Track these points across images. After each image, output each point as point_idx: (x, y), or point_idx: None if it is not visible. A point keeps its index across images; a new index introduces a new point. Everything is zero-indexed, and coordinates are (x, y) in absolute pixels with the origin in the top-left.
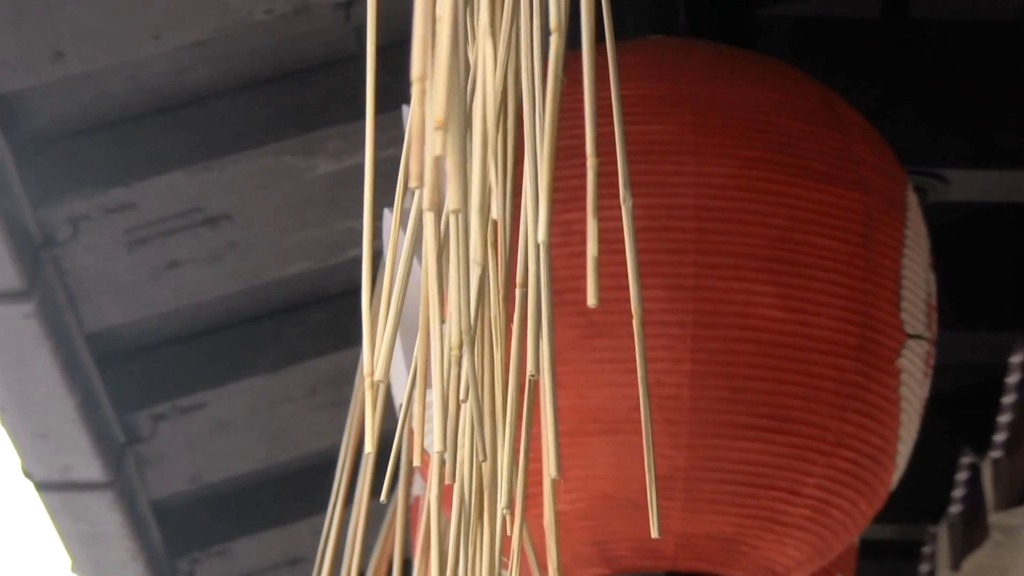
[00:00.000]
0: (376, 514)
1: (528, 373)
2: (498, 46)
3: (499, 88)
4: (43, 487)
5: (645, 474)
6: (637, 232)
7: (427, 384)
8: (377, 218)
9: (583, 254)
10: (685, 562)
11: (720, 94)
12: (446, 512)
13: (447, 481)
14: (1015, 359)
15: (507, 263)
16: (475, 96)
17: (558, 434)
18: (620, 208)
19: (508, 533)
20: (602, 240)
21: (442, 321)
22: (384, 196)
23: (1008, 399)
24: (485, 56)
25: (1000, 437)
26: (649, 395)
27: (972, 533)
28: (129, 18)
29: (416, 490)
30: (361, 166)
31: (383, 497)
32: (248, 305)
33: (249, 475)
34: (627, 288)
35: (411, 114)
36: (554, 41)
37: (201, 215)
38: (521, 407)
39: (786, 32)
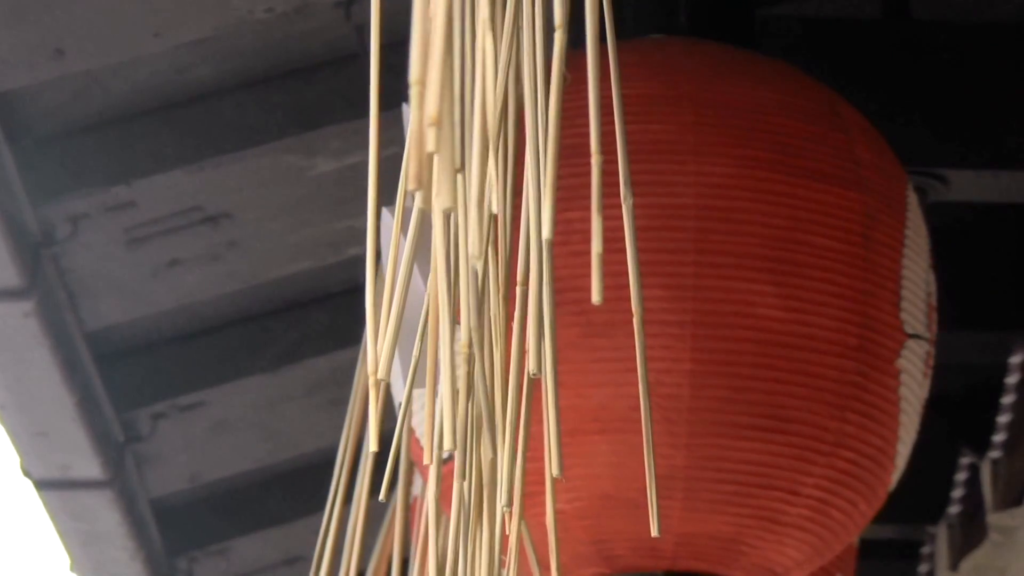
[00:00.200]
0: (375, 513)
1: (530, 372)
2: (500, 43)
3: (501, 84)
4: (42, 485)
5: (644, 473)
6: (637, 231)
7: (424, 383)
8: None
9: (583, 253)
10: (684, 561)
11: (721, 94)
12: (445, 511)
13: (458, 480)
14: (1015, 359)
15: (507, 261)
16: (475, 93)
17: (560, 433)
18: (620, 207)
19: (507, 532)
20: (602, 239)
21: (455, 322)
22: (383, 194)
23: (1007, 399)
24: (485, 51)
25: (999, 437)
26: (649, 394)
27: (971, 533)
28: (129, 16)
29: (415, 489)
30: (361, 165)
31: (382, 496)
32: (248, 304)
33: (248, 474)
34: (627, 287)
35: (411, 117)
36: (557, 38)
37: (201, 214)
38: (520, 406)
39: (787, 32)
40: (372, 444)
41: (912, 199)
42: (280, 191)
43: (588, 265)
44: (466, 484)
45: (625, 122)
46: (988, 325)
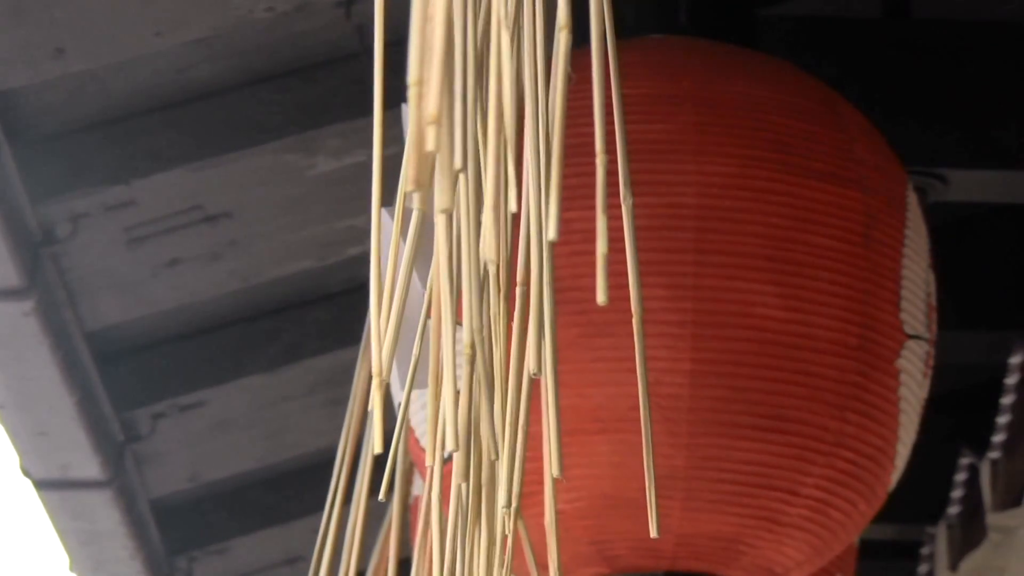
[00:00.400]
0: (375, 513)
1: (530, 371)
2: (502, 43)
3: (513, 84)
4: (42, 485)
5: (644, 473)
6: (638, 231)
7: (424, 383)
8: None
9: (583, 252)
10: (684, 561)
11: (721, 93)
12: (445, 511)
13: (460, 480)
14: (1014, 360)
15: (508, 261)
16: (487, 94)
17: (560, 433)
18: (621, 207)
19: (507, 532)
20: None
21: (458, 323)
22: (384, 195)
23: (1007, 400)
24: (501, 51)
25: (999, 438)
26: (649, 394)
27: (971, 534)
28: (130, 15)
29: (415, 489)
30: (361, 164)
31: (382, 496)
32: (247, 303)
33: (248, 473)
34: (627, 287)
35: (409, 118)
36: (562, 39)
37: (201, 213)
38: (520, 406)
39: (787, 31)
40: (376, 446)
41: (912, 199)
42: (280, 190)
43: (588, 265)
44: (462, 485)
45: (625, 122)
46: (988, 325)
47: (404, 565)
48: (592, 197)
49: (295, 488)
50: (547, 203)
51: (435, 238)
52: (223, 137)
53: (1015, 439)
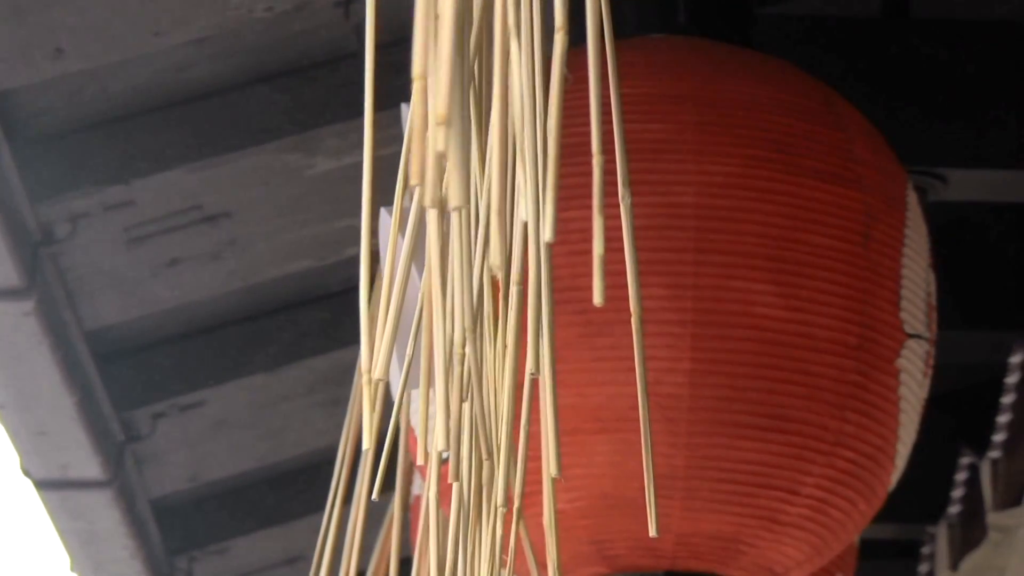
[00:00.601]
0: (375, 513)
1: (528, 371)
2: (495, 43)
3: (528, 86)
4: (42, 485)
5: (644, 473)
6: (637, 231)
7: (426, 382)
8: (375, 217)
9: (582, 252)
10: (684, 561)
11: (720, 93)
12: (445, 511)
13: (450, 480)
14: (1015, 359)
15: (507, 261)
16: (495, 94)
17: (558, 432)
18: (619, 207)
19: (506, 532)
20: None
21: (447, 320)
22: (383, 194)
23: (1007, 399)
24: (510, 54)
25: (999, 437)
26: (648, 394)
27: (971, 533)
28: (129, 15)
29: (415, 489)
30: (361, 164)
31: (375, 495)
32: (247, 303)
33: (248, 473)
34: (626, 287)
35: (412, 111)
36: (558, 40)
37: (200, 213)
38: (520, 405)
39: (786, 31)
40: (366, 442)
41: (912, 198)
42: (280, 190)
43: (588, 264)
44: (464, 484)
45: (624, 121)
46: (988, 324)
47: (405, 565)
48: (591, 196)
49: (295, 488)
50: (544, 204)
51: (428, 236)
52: (223, 137)
53: (1015, 438)
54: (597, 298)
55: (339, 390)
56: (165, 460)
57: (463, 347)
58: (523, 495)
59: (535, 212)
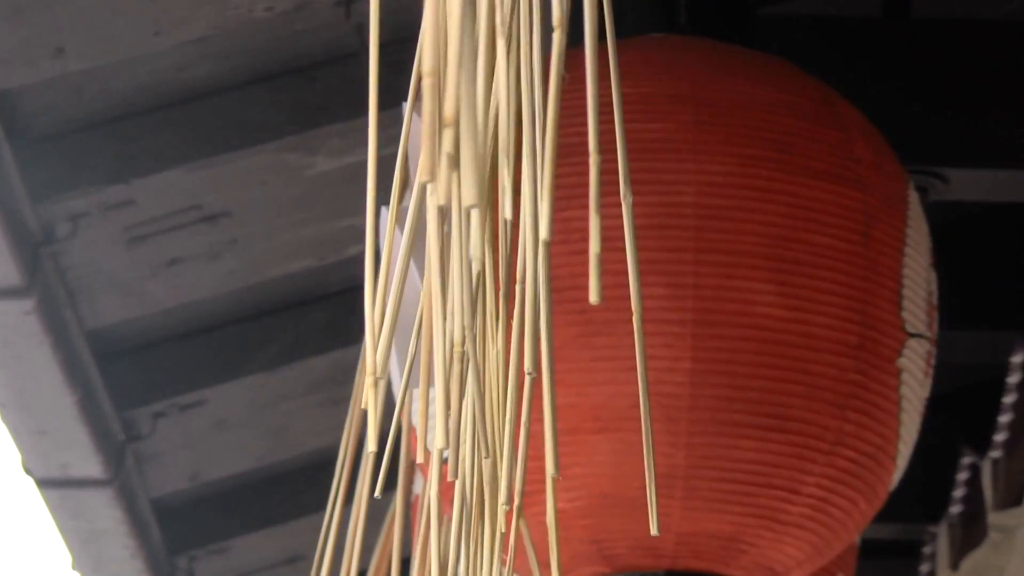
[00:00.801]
0: (376, 512)
1: (527, 371)
2: (497, 42)
3: (502, 82)
4: (43, 484)
5: (644, 472)
6: (637, 230)
7: (427, 381)
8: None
9: (582, 252)
10: (684, 560)
11: (720, 92)
12: (446, 510)
13: (450, 479)
14: (1016, 359)
15: (507, 260)
16: (483, 94)
17: (557, 432)
18: (620, 206)
19: (507, 531)
20: (602, 238)
21: (444, 317)
22: (383, 194)
23: (1009, 399)
24: (497, 54)
25: (1000, 437)
26: (648, 393)
27: (972, 533)
28: (129, 15)
29: (416, 488)
30: (361, 164)
31: (377, 493)
32: (247, 302)
33: (248, 473)
34: (627, 286)
35: (423, 109)
36: (556, 38)
37: (200, 212)
38: (520, 404)
39: (786, 31)
40: (371, 444)
41: (913, 198)
42: (280, 190)
43: (587, 263)
44: (466, 483)
45: (624, 121)
46: (989, 324)
47: (406, 564)
48: None
49: (296, 487)
50: (541, 202)
51: (428, 236)
52: (223, 136)
53: (1016, 438)
54: (593, 297)
55: (339, 390)
56: (166, 459)
57: (462, 345)
58: (523, 494)
59: (534, 210)
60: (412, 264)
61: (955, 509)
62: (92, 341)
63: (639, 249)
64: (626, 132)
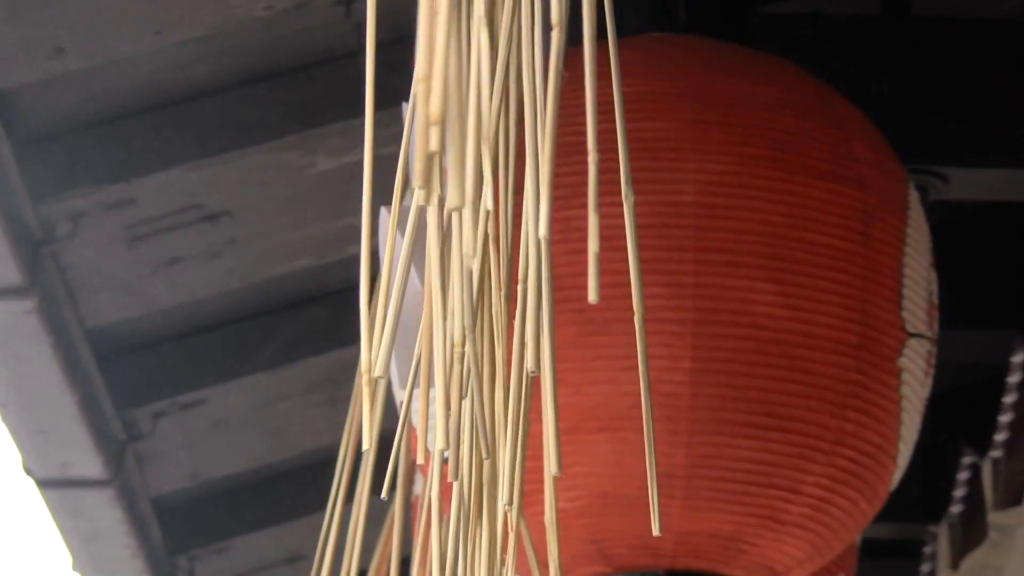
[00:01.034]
0: (376, 512)
1: (528, 370)
2: (499, 41)
3: (498, 81)
4: (43, 484)
5: (644, 472)
6: (637, 229)
7: (428, 381)
8: (374, 216)
9: (583, 251)
10: (684, 560)
11: (720, 91)
12: (446, 510)
13: (450, 479)
14: (1016, 358)
15: (508, 260)
16: (471, 91)
17: (558, 431)
18: (620, 205)
19: (507, 531)
20: (602, 237)
21: (444, 317)
22: (383, 194)
23: (1009, 398)
24: (480, 48)
25: (1001, 436)
26: (649, 392)
27: (972, 533)
28: (129, 14)
29: (416, 488)
30: (361, 163)
31: (383, 494)
32: (248, 302)
33: (249, 472)
34: (627, 285)
35: (417, 115)
36: (555, 37)
37: (201, 212)
38: (520, 404)
39: (786, 29)
40: (367, 442)
41: (913, 197)
42: (280, 189)
43: (587, 263)
44: (465, 483)
45: (625, 119)
46: (990, 324)
47: (405, 564)
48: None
49: (296, 487)
50: (541, 201)
51: (427, 235)
52: (223, 136)
53: (1017, 438)
54: (592, 296)
55: (340, 389)
56: (166, 459)
57: (462, 346)
58: (523, 494)
59: (534, 209)
60: (412, 264)
61: (955, 509)
62: (92, 340)
63: (639, 248)
64: (626, 131)
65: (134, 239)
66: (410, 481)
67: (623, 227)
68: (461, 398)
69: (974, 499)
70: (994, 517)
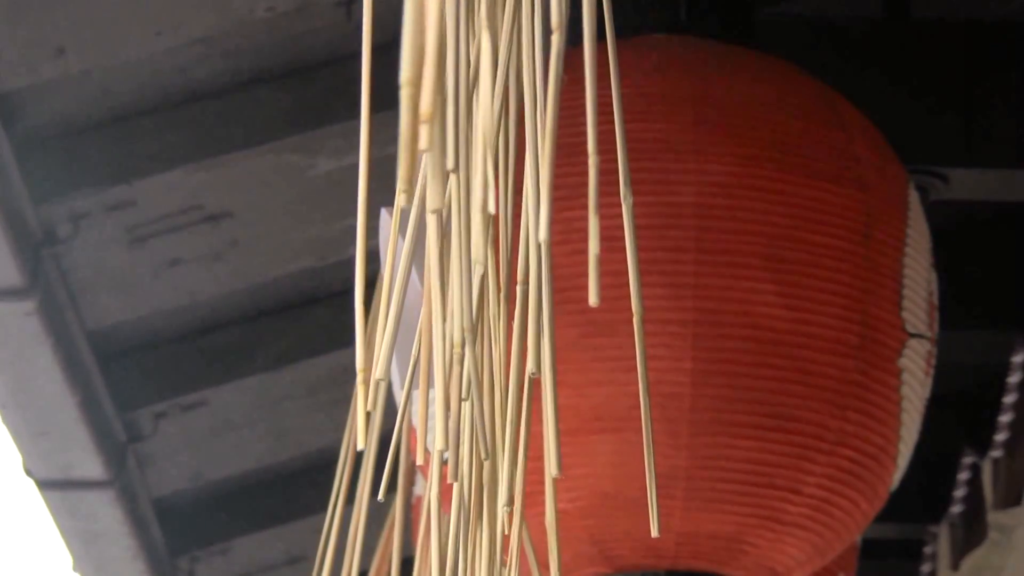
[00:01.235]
0: (377, 513)
1: (528, 371)
2: (499, 43)
3: (500, 84)
4: (44, 485)
5: (645, 473)
6: (637, 230)
7: (427, 382)
8: (375, 217)
9: (584, 252)
10: (685, 561)
11: (720, 92)
12: (447, 511)
13: (449, 480)
14: (1016, 359)
15: (508, 261)
16: (471, 93)
17: (558, 432)
18: (620, 206)
19: (508, 532)
20: (602, 238)
21: (444, 319)
22: (386, 193)
23: (1009, 399)
24: (482, 50)
25: (1001, 437)
26: (649, 394)
27: (973, 533)
28: (130, 15)
29: (417, 489)
30: None
31: (381, 495)
32: (249, 303)
33: (250, 473)
34: (627, 286)
35: (401, 118)
36: (554, 40)
37: (202, 213)
38: (521, 405)
39: (787, 30)
40: (361, 443)
41: (914, 198)
42: (281, 190)
43: (588, 264)
44: (465, 484)
45: (625, 121)
46: (990, 324)
47: (406, 565)
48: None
49: (297, 488)
50: (541, 203)
51: (427, 237)
52: (224, 137)
53: (1017, 438)
54: (592, 298)
55: (341, 390)
56: (167, 460)
57: (462, 347)
58: (524, 495)
59: (535, 211)
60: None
61: (956, 509)
62: (93, 342)
63: (639, 249)
64: (626, 132)
65: (135, 240)
66: (411, 482)
67: (623, 228)
68: (461, 399)
69: (974, 499)
70: (994, 517)
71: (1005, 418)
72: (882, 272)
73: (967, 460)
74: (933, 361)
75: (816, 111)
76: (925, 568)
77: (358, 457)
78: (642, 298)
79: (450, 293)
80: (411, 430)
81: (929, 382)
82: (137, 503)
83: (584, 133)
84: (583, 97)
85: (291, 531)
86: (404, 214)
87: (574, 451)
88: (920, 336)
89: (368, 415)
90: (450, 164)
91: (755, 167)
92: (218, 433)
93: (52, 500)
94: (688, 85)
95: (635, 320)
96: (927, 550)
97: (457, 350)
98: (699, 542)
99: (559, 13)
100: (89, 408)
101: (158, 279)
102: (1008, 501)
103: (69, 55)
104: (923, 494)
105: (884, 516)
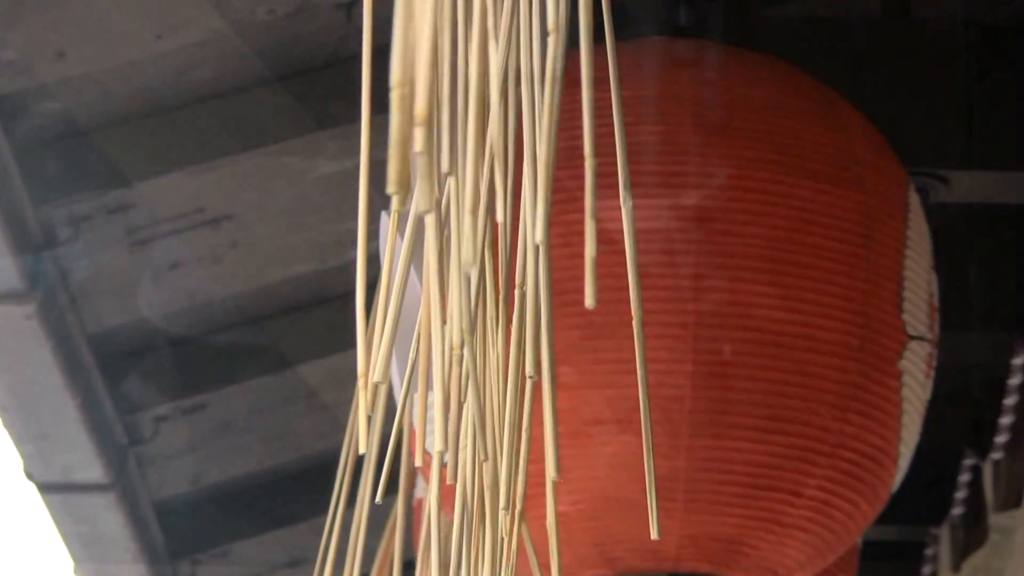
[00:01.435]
0: (378, 515)
1: (528, 374)
2: (497, 44)
3: (498, 87)
4: (45, 488)
5: (646, 475)
6: (638, 233)
7: (427, 384)
8: (375, 220)
9: (583, 255)
10: (686, 563)
11: (720, 94)
12: (447, 513)
13: (449, 482)
14: (1017, 361)
15: (507, 264)
16: (467, 96)
17: (557, 435)
18: (621, 209)
19: (509, 534)
20: (603, 241)
21: (443, 321)
22: (384, 197)
23: (1010, 401)
24: (480, 54)
25: (1001, 439)
26: (649, 396)
27: (973, 535)
28: (131, 18)
29: (418, 491)
30: None
31: (378, 498)
32: (249, 305)
33: (250, 476)
34: (627, 289)
35: (392, 120)
36: (552, 42)
37: (202, 216)
38: (521, 408)
39: (787, 31)
40: (362, 446)
41: (914, 200)
42: (281, 193)
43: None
44: (466, 487)
45: (624, 123)
46: (990, 326)
47: (407, 568)
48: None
49: (298, 491)
50: (538, 206)
51: (426, 240)
52: (224, 140)
53: (1017, 440)
54: (589, 301)
55: (341, 393)
56: (168, 463)
57: (461, 349)
58: (525, 497)
59: (533, 214)
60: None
61: (956, 511)
62: (94, 344)
63: (640, 252)
64: (626, 134)
65: (135, 243)
66: (412, 485)
67: (623, 231)
68: (461, 401)
69: (975, 501)
70: (995, 519)
71: (1006, 420)
72: (882, 274)
73: (968, 462)
74: (934, 363)
75: (816, 113)
76: (926, 570)
77: (359, 460)
78: (642, 301)
79: (449, 295)
80: (412, 432)
81: (930, 384)
82: (138, 506)
83: (583, 136)
84: (581, 100)
85: (292, 534)
86: (403, 216)
87: (575, 453)
88: (921, 338)
89: (369, 419)
90: (445, 167)
91: (755, 169)
92: (219, 436)
93: (53, 503)
94: (688, 87)
95: (635, 323)
96: (928, 552)
97: (456, 352)
98: (700, 544)
99: (557, 15)
100: (90, 411)
101: (158, 282)
102: (1009, 503)
103: (69, 58)
104: (924, 496)
105: (885, 518)
